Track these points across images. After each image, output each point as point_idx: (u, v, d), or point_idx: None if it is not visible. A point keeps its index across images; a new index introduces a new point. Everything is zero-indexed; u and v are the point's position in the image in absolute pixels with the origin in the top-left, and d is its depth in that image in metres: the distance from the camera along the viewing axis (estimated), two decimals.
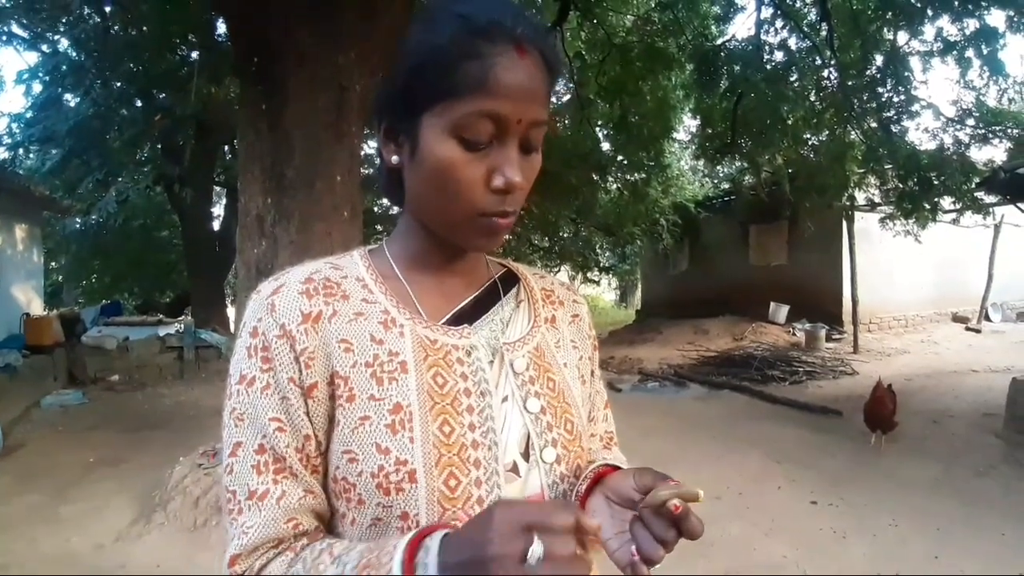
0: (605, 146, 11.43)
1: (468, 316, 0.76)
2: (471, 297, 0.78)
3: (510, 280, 0.84)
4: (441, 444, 0.65)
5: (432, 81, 0.65)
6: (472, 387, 0.70)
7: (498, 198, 0.67)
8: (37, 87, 10.18)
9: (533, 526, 0.51)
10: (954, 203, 8.09)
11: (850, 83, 7.49)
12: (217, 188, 14.44)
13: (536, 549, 0.50)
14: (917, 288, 11.55)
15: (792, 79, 8.14)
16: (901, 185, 7.71)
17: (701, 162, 13.92)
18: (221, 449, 0.70)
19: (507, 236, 0.73)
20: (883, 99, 7.56)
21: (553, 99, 11.74)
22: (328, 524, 0.70)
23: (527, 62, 0.64)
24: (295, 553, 0.64)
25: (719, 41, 8.75)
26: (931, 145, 7.81)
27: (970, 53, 7.06)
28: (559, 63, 0.69)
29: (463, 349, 0.71)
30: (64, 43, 9.52)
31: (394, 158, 0.72)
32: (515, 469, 0.69)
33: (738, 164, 12.05)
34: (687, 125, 12.42)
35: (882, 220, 9.29)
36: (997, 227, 10.87)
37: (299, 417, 0.66)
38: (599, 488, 0.71)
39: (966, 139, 7.70)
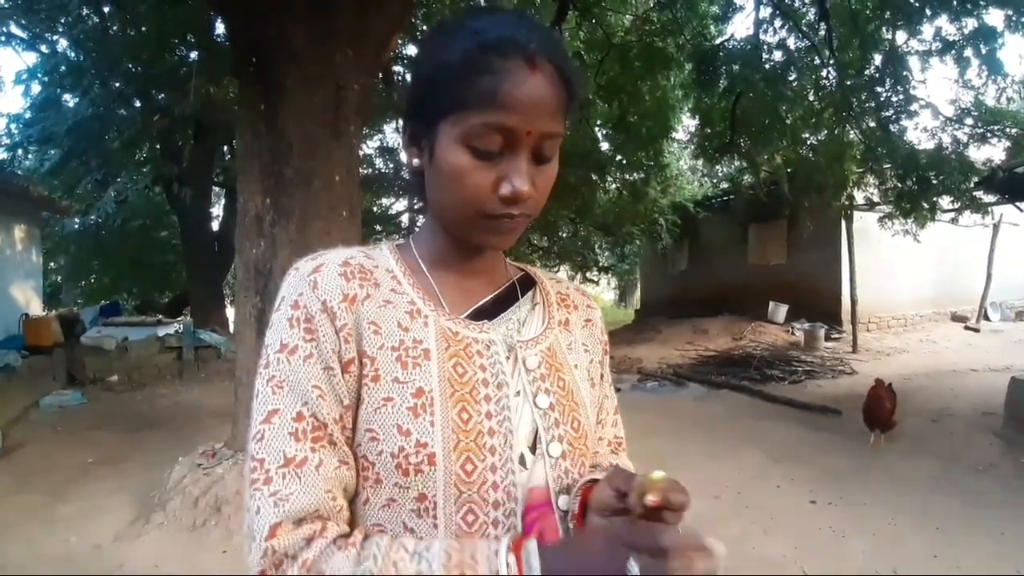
0: (604, 146, 11.44)
1: (487, 313, 0.79)
2: (491, 296, 0.81)
3: (527, 283, 0.87)
4: (459, 430, 0.68)
5: (446, 93, 0.68)
6: (490, 378, 0.73)
7: (505, 203, 0.69)
8: (36, 87, 10.18)
9: (632, 546, 0.57)
10: (953, 202, 8.08)
11: (849, 82, 7.49)
12: (216, 188, 14.44)
13: (632, 567, 0.56)
14: (916, 287, 11.56)
15: (791, 79, 8.15)
16: (900, 184, 7.71)
17: (700, 162, 13.94)
18: (251, 421, 0.68)
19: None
20: (882, 98, 7.56)
21: None
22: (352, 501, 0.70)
23: (538, 76, 0.66)
24: (356, 548, 0.61)
25: (718, 41, 8.75)
26: (930, 144, 7.83)
27: (968, 52, 7.08)
28: (575, 75, 0.71)
29: (482, 343, 0.75)
30: (63, 43, 9.53)
31: (415, 161, 0.76)
32: (522, 461, 0.72)
33: (737, 164, 12.07)
34: (686, 125, 12.44)
35: (881, 219, 9.28)
36: (996, 226, 10.86)
37: (341, 387, 0.68)
38: (589, 511, 0.72)
39: (965, 138, 7.70)
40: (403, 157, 0.86)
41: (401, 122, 0.77)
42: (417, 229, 0.86)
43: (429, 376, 0.70)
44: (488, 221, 0.71)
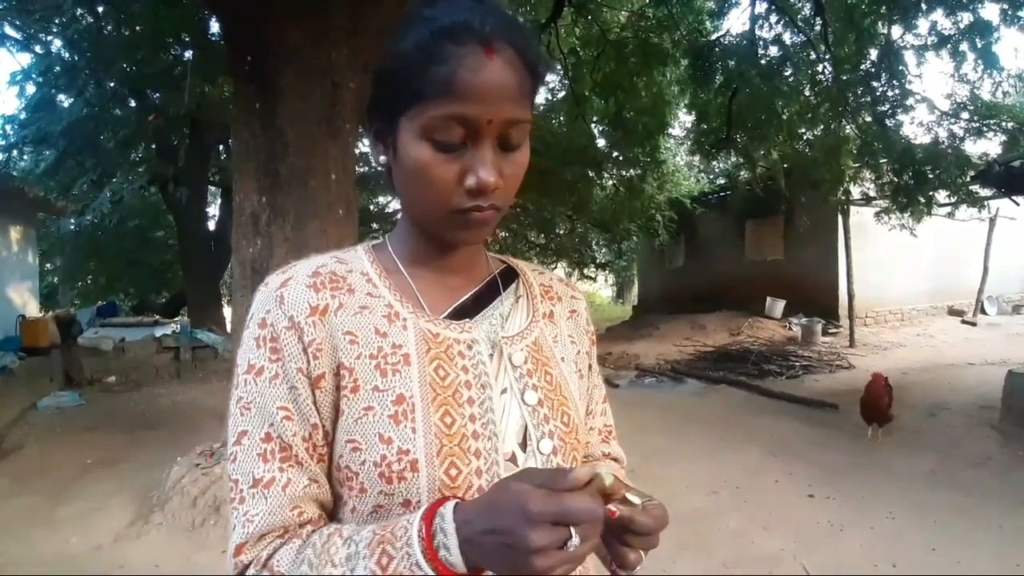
0: (600, 142, 11.42)
1: (469, 311, 0.77)
2: (471, 292, 0.79)
3: (509, 276, 0.85)
4: (442, 435, 0.67)
5: (403, 86, 0.65)
6: (473, 380, 0.71)
7: (472, 196, 0.67)
8: (30, 88, 10.13)
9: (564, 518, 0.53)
10: (949, 196, 8.12)
11: (845, 77, 7.49)
12: (212, 188, 14.38)
13: (574, 540, 0.53)
14: (913, 282, 11.59)
15: (787, 74, 8.14)
16: (896, 179, 7.73)
17: (696, 157, 13.92)
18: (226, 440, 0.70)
19: (502, 233, 0.73)
20: (878, 93, 7.56)
21: (548, 96, 11.59)
22: (331, 513, 0.71)
23: (496, 62, 0.63)
24: (302, 540, 0.64)
25: (714, 36, 8.74)
26: (926, 139, 7.83)
27: (964, 47, 7.08)
28: (537, 57, 0.68)
29: (464, 343, 0.73)
30: (57, 44, 9.48)
31: (382, 158, 0.74)
32: (513, 459, 0.70)
33: (733, 159, 12.06)
34: (682, 120, 12.45)
35: (877, 214, 9.31)
36: (992, 220, 10.90)
37: (307, 406, 0.67)
38: None
39: (961, 133, 7.71)
40: None
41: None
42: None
43: (410, 382, 0.68)
44: (457, 216, 0.68)
